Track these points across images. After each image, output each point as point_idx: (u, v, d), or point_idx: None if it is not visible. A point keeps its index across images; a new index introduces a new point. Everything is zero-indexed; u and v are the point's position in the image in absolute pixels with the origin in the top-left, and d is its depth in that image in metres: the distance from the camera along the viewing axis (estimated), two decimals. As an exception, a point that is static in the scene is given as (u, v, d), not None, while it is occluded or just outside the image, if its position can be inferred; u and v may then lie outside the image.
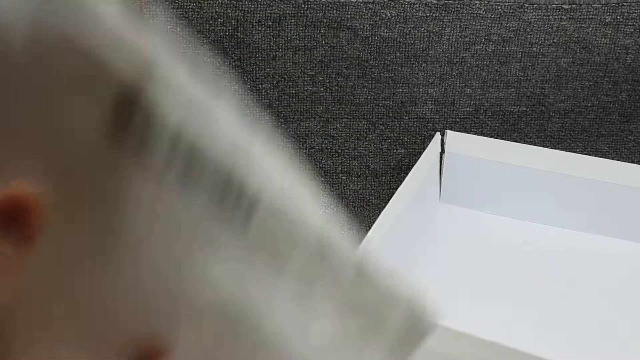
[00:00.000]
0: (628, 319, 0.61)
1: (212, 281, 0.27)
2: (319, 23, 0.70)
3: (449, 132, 0.72)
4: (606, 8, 0.71)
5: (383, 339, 0.35)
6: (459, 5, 0.70)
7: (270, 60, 0.71)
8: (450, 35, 0.72)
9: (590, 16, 0.71)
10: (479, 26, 0.71)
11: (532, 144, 0.75)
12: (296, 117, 0.73)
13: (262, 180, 0.29)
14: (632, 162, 0.76)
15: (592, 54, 0.73)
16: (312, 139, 0.74)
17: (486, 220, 0.72)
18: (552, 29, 0.72)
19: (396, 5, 0.70)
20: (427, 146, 0.71)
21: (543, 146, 0.75)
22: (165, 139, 0.24)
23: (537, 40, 0.72)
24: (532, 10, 0.71)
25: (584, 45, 0.73)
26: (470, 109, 0.75)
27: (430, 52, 0.72)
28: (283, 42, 0.70)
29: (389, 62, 0.72)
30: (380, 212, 0.59)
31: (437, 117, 0.74)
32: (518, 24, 0.71)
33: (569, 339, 0.58)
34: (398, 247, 0.64)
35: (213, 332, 0.28)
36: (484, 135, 0.75)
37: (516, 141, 0.75)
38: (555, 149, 0.74)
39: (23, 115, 0.22)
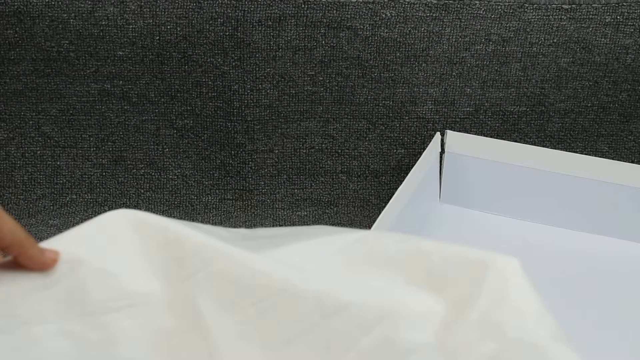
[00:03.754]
0: (628, 319, 0.61)
1: None
2: (319, 23, 0.70)
3: (449, 132, 0.72)
4: (606, 8, 0.71)
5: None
6: (459, 5, 0.70)
7: (270, 60, 0.71)
8: (450, 35, 0.72)
9: (590, 16, 0.71)
10: (479, 26, 0.71)
11: (532, 144, 0.75)
12: (296, 117, 0.73)
13: None
14: (632, 162, 0.76)
15: (592, 54, 0.73)
16: (312, 139, 0.74)
17: (486, 220, 0.72)
18: (552, 29, 0.72)
19: (396, 5, 0.70)
20: (427, 146, 0.71)
21: (543, 146, 0.75)
22: None
23: (537, 40, 0.72)
24: (532, 10, 0.71)
25: (584, 45, 0.73)
26: (470, 109, 0.75)
27: (430, 52, 0.72)
28: (283, 42, 0.70)
29: (389, 62, 0.72)
30: (380, 212, 0.59)
31: (437, 117, 0.75)
32: (518, 24, 0.71)
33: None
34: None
35: None
36: (484, 135, 0.75)
37: (516, 141, 0.75)
38: (555, 149, 0.74)
39: None
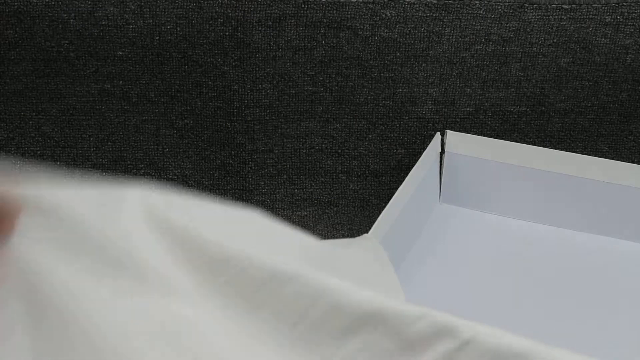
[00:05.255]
0: (628, 319, 0.61)
1: None
2: (319, 23, 0.70)
3: (449, 132, 0.72)
4: (606, 8, 0.71)
5: None
6: (459, 5, 0.70)
7: (270, 60, 0.71)
8: (450, 35, 0.72)
9: (590, 16, 0.71)
10: (479, 26, 0.71)
11: (532, 144, 0.75)
12: (296, 117, 0.73)
13: None
14: (632, 162, 0.76)
15: (592, 54, 0.73)
16: (312, 139, 0.74)
17: (486, 220, 0.72)
18: (552, 29, 0.72)
19: (396, 5, 0.70)
20: (427, 146, 0.71)
21: (543, 146, 0.75)
22: None
23: (537, 40, 0.72)
24: (532, 10, 0.71)
25: (584, 45, 0.73)
26: (470, 109, 0.75)
27: (430, 52, 0.72)
28: (283, 42, 0.70)
29: (389, 62, 0.72)
30: (380, 212, 0.59)
31: (437, 117, 0.75)
32: (518, 24, 0.71)
33: (569, 338, 0.58)
34: (398, 247, 0.64)
35: None
36: (484, 135, 0.75)
37: (516, 141, 0.75)
38: (555, 149, 0.74)
39: None
